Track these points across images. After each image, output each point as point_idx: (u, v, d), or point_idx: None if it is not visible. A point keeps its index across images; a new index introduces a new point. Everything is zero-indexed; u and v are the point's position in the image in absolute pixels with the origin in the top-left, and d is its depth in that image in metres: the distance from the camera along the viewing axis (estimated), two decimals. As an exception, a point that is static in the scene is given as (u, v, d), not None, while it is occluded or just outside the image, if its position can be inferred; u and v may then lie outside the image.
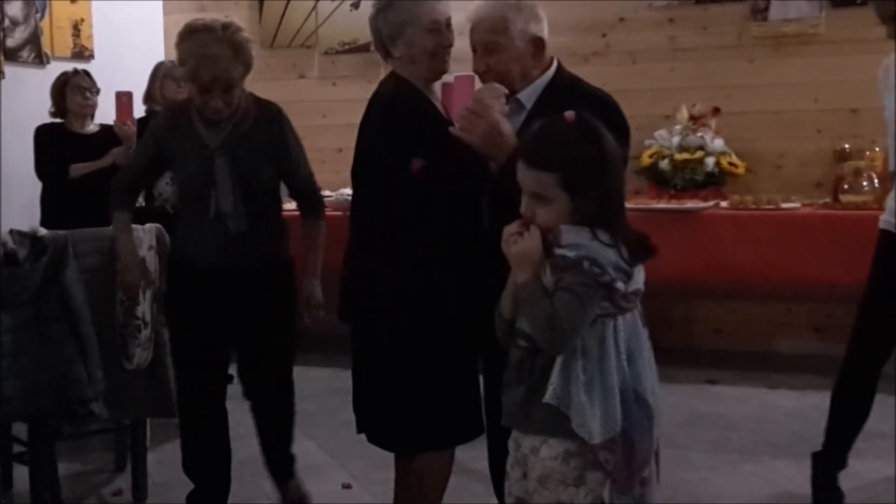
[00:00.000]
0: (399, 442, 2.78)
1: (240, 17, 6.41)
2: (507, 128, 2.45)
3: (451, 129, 2.49)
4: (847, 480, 3.50)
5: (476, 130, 2.44)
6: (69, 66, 5.10)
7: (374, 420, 2.80)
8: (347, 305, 2.79)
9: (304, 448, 4.33)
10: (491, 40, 2.59)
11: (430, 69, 2.74)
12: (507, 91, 2.56)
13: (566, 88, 2.60)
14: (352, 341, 2.81)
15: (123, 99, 4.69)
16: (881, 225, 3.34)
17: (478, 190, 2.60)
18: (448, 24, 2.73)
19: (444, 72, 2.76)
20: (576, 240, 2.08)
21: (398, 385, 2.69)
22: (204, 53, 3.01)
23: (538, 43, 2.61)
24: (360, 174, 2.78)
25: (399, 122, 2.64)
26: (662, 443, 3.44)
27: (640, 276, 2.17)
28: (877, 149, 5.01)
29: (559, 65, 2.68)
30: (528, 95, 2.62)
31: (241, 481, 3.90)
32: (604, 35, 5.90)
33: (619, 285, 2.09)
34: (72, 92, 4.83)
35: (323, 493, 3.75)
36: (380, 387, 2.74)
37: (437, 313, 2.65)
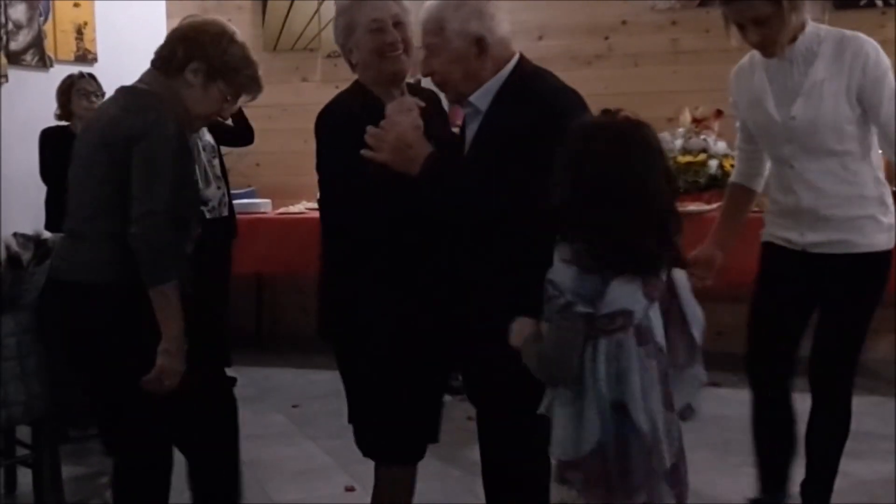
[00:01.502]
0: (365, 451, 2.81)
1: (242, 19, 6.45)
2: (416, 139, 2.40)
3: (362, 151, 2.42)
4: (847, 481, 3.49)
5: (383, 147, 2.39)
6: (72, 70, 5.11)
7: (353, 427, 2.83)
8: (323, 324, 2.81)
9: (306, 450, 4.34)
10: (428, 42, 2.47)
11: (382, 71, 2.63)
12: (420, 103, 2.52)
13: (520, 87, 2.44)
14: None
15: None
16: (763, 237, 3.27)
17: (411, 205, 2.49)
18: (397, 22, 2.62)
19: (400, 72, 2.65)
20: (555, 260, 2.09)
21: (361, 396, 2.75)
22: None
23: (480, 42, 2.43)
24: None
25: (319, 136, 2.65)
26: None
27: (619, 295, 2.06)
28: (879, 151, 5.00)
29: (519, 61, 2.50)
30: (480, 98, 2.47)
31: (244, 483, 3.91)
32: (606, 38, 5.90)
33: (579, 308, 2.03)
34: (77, 95, 4.84)
35: (326, 496, 3.75)
36: (350, 396, 2.81)
37: (395, 329, 2.62)
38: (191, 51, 2.69)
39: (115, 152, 2.60)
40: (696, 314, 2.33)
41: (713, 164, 5.36)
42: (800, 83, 3.03)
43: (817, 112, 3.00)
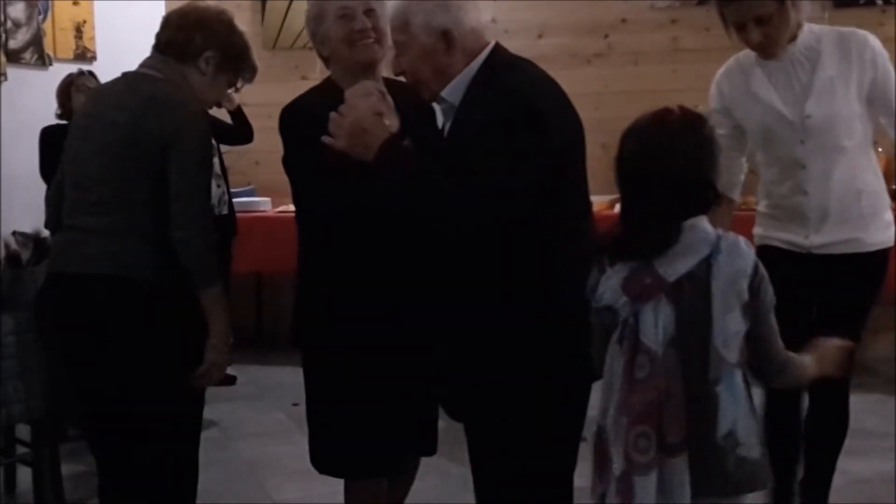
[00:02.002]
0: (325, 467, 2.79)
1: (242, 18, 6.39)
2: (373, 124, 2.26)
3: (322, 137, 2.31)
4: (847, 479, 3.49)
5: (341, 133, 2.27)
6: (71, 68, 5.10)
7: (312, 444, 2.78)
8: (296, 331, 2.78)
9: (305, 449, 4.33)
10: (395, 39, 2.35)
11: (353, 60, 2.57)
12: (380, 88, 2.43)
13: (491, 79, 2.26)
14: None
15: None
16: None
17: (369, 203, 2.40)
18: (368, 10, 2.56)
19: (372, 61, 2.59)
20: None
21: (326, 406, 2.70)
22: None
23: (447, 36, 2.27)
24: None
25: (282, 135, 2.62)
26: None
27: (606, 289, 2.03)
28: (880, 150, 5.00)
29: (492, 52, 2.32)
30: (452, 92, 2.31)
31: (245, 482, 3.92)
32: (606, 36, 5.90)
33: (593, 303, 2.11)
34: (77, 93, 4.83)
35: (325, 495, 3.74)
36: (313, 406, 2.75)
37: (368, 337, 2.57)
38: (208, 39, 2.66)
39: (145, 149, 2.53)
40: (724, 326, 1.98)
41: (713, 162, 5.36)
42: (809, 82, 3.02)
43: (831, 109, 2.98)
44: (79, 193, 2.62)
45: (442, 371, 2.41)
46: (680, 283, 1.98)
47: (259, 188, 6.27)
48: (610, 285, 2.04)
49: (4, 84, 5.46)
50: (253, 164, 6.27)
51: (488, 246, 2.19)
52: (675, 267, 1.99)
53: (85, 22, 6.05)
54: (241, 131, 5.36)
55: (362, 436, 2.63)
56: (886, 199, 3.12)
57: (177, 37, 2.69)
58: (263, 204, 5.99)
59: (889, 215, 3.11)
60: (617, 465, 1.99)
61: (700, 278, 1.97)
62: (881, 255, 3.08)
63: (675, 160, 2.02)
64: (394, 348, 2.56)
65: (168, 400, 2.60)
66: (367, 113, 2.28)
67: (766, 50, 3.03)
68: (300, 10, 6.40)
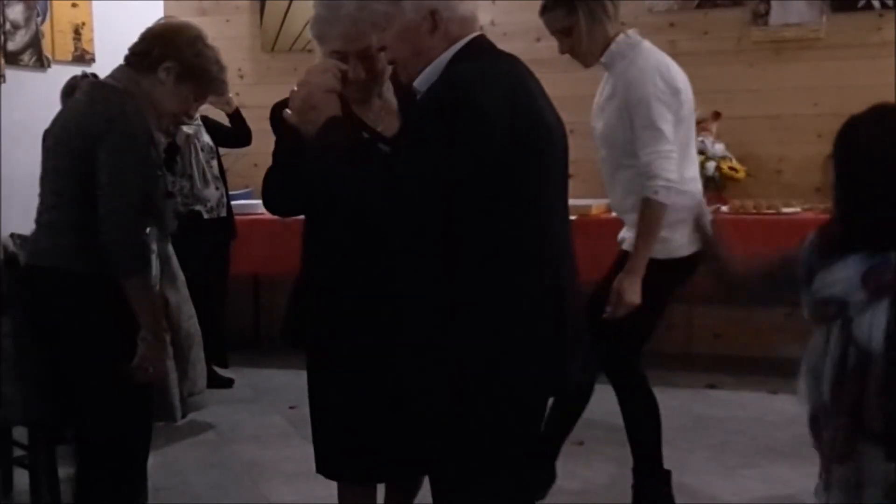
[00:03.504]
0: (321, 468, 2.76)
1: (240, 20, 6.45)
2: (323, 100, 2.20)
3: (283, 111, 2.28)
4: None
5: (293, 107, 2.23)
6: (70, 70, 5.10)
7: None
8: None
9: (303, 452, 4.32)
10: (383, 11, 2.24)
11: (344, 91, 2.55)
12: (341, 66, 2.33)
13: (450, 68, 2.17)
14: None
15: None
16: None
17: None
18: (366, 56, 2.45)
19: (363, 99, 2.53)
20: None
21: (324, 408, 2.69)
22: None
23: (434, 16, 2.16)
24: None
25: (273, 130, 2.58)
26: (662, 446, 3.47)
27: (836, 281, 2.10)
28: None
29: (469, 42, 2.20)
30: (424, 81, 2.20)
31: (242, 485, 3.91)
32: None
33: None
34: None
35: (322, 497, 3.74)
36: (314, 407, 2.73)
37: (360, 341, 2.55)
38: (166, 50, 2.76)
39: (77, 146, 2.68)
40: None
41: (711, 166, 5.37)
42: (600, 96, 3.31)
43: (606, 126, 3.23)
44: (40, 191, 2.82)
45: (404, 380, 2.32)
46: None
47: (257, 190, 6.22)
48: (842, 277, 2.02)
49: (3, 86, 5.45)
50: (251, 167, 6.26)
51: (423, 247, 2.15)
52: None
53: (84, 24, 6.05)
54: (239, 134, 5.36)
55: (353, 440, 2.62)
56: (671, 216, 3.20)
57: (138, 47, 2.83)
58: (261, 206, 5.98)
59: (667, 232, 3.21)
60: (825, 454, 2.08)
61: None
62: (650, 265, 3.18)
63: None
64: (387, 352, 2.49)
65: (107, 390, 2.73)
66: (319, 90, 2.22)
67: (576, 59, 3.29)
68: (299, 12, 6.43)
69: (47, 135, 2.83)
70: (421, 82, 2.20)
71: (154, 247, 2.81)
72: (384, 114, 2.51)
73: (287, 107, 2.37)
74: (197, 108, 2.91)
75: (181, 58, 2.76)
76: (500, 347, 2.10)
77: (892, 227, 2.00)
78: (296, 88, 2.24)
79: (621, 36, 3.25)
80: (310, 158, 2.22)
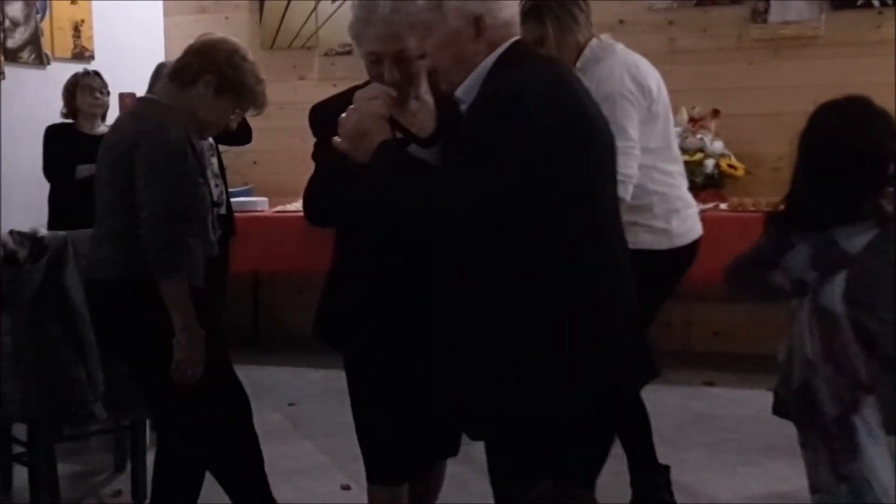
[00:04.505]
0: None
1: (240, 18, 6.45)
2: (374, 127, 2.21)
3: (333, 139, 2.27)
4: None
5: (344, 134, 2.23)
6: (69, 67, 5.11)
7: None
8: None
9: (302, 449, 4.34)
10: (424, 18, 2.20)
11: None
12: (390, 91, 2.34)
13: (494, 75, 2.14)
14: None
15: (127, 100, 4.71)
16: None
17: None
18: (402, 58, 2.41)
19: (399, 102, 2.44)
20: None
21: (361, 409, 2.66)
22: None
23: (479, 23, 2.13)
24: None
25: (312, 131, 2.59)
26: (660, 443, 3.48)
27: (795, 264, 2.35)
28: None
29: (509, 47, 2.17)
30: (467, 90, 2.17)
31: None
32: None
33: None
34: (81, 92, 4.86)
35: (322, 495, 3.75)
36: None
37: (394, 342, 2.53)
38: (204, 65, 2.86)
39: (117, 156, 2.80)
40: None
41: (710, 163, 5.37)
42: None
43: None
44: (96, 204, 2.92)
45: (454, 389, 2.26)
46: (861, 255, 2.25)
47: (257, 188, 6.27)
48: (797, 262, 2.31)
49: (2, 83, 5.45)
50: (251, 164, 6.28)
51: (479, 260, 2.11)
52: (854, 241, 2.26)
53: (83, 21, 6.05)
54: (239, 132, 5.34)
55: (385, 441, 2.60)
56: (656, 212, 3.28)
57: (180, 63, 2.92)
58: (261, 204, 6.00)
59: (660, 223, 3.30)
60: (831, 408, 2.27)
61: (878, 248, 2.25)
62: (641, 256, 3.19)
63: (858, 138, 2.27)
64: (415, 353, 2.47)
65: (173, 392, 2.80)
66: (369, 116, 2.23)
67: None
68: (298, 10, 6.43)
69: (99, 148, 2.96)
70: (463, 91, 2.18)
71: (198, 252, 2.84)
72: (420, 114, 2.46)
73: (327, 107, 2.43)
74: (236, 119, 3.01)
75: (220, 71, 2.86)
76: (564, 356, 2.07)
77: (831, 206, 2.28)
78: (344, 115, 2.25)
79: (594, 41, 3.31)
80: (364, 182, 2.20)
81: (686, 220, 3.44)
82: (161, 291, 2.72)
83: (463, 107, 2.23)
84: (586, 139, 2.12)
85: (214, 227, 2.98)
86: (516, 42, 2.19)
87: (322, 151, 2.47)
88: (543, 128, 2.02)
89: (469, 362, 2.14)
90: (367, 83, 2.52)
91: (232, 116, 2.96)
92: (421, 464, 2.72)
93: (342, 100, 2.47)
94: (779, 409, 2.48)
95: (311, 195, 2.56)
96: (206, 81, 2.85)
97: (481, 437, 2.24)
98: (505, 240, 2.07)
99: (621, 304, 2.16)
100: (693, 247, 3.34)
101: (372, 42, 2.43)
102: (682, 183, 3.47)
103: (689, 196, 3.50)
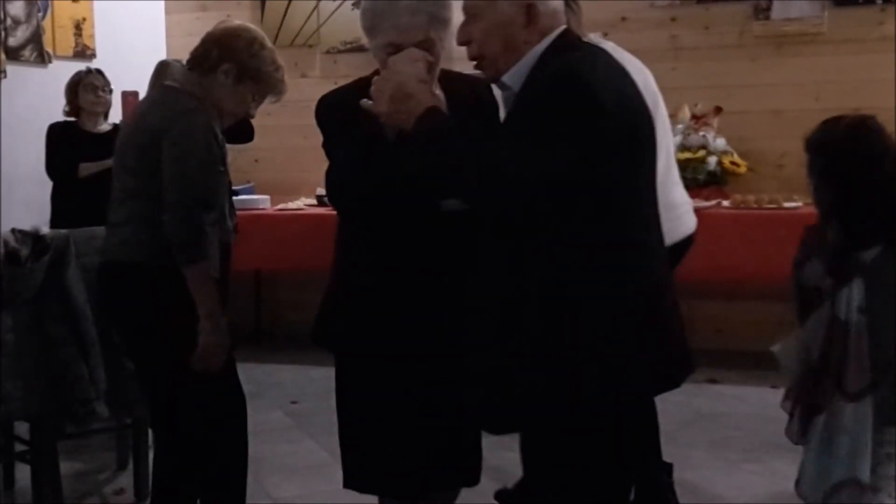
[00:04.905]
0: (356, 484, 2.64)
1: (242, 16, 6.44)
2: (417, 89, 2.11)
3: (361, 101, 2.16)
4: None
5: (382, 97, 2.11)
6: (71, 66, 5.11)
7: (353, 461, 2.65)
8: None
9: (305, 447, 4.34)
10: (472, 4, 2.14)
11: None
12: (429, 57, 2.26)
13: (549, 62, 2.08)
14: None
15: (129, 98, 4.71)
16: None
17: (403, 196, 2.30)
18: (425, 48, 2.34)
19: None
20: None
21: (357, 418, 2.58)
22: None
23: (530, 10, 2.10)
24: None
25: (320, 125, 2.51)
26: (663, 441, 3.47)
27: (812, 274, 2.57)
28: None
29: (562, 33, 2.15)
30: (514, 76, 2.12)
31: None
32: (605, 34, 5.88)
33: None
34: (84, 90, 4.86)
35: (324, 493, 3.75)
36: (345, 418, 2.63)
37: (400, 344, 2.45)
38: (224, 53, 2.85)
39: (141, 143, 2.80)
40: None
41: (712, 160, 5.36)
42: None
43: None
44: (111, 190, 2.92)
45: (485, 381, 2.18)
46: (874, 262, 2.43)
47: (259, 186, 6.27)
48: (815, 270, 2.50)
49: (4, 81, 5.46)
50: (252, 162, 6.27)
51: (528, 235, 2.03)
52: (867, 250, 2.44)
53: (84, 19, 6.05)
54: (241, 130, 5.35)
55: (395, 454, 2.51)
56: None
57: (199, 51, 2.91)
58: (263, 202, 5.99)
59: None
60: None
61: (890, 256, 2.43)
62: None
63: (877, 166, 2.46)
64: (432, 366, 2.43)
65: (183, 382, 2.80)
66: (412, 78, 2.14)
67: None
68: (299, 8, 6.43)
69: (118, 137, 2.96)
70: (511, 77, 2.12)
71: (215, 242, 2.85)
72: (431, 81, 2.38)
73: (337, 96, 2.39)
74: (256, 106, 3.01)
75: (238, 60, 2.86)
76: (619, 342, 2.02)
77: (854, 232, 2.46)
78: (379, 78, 2.16)
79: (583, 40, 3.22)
80: (408, 149, 2.09)
81: (666, 222, 3.38)
82: (186, 278, 2.72)
83: (505, 93, 2.18)
84: (642, 128, 2.10)
85: (232, 213, 3.03)
86: (566, 30, 2.16)
87: (335, 138, 2.42)
88: (608, 112, 1.97)
89: (527, 353, 2.04)
90: (370, 75, 2.43)
91: (252, 104, 2.96)
92: (437, 477, 2.57)
93: (352, 89, 2.43)
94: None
95: (340, 179, 2.44)
96: (226, 70, 2.84)
97: (529, 434, 2.18)
98: (562, 225, 2.00)
99: (670, 296, 2.14)
100: (676, 248, 3.23)
101: (391, 32, 2.35)
102: (667, 182, 3.38)
103: (675, 196, 3.41)
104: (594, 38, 3.25)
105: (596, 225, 2.01)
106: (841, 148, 2.49)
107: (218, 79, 2.86)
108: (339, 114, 2.43)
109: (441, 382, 2.42)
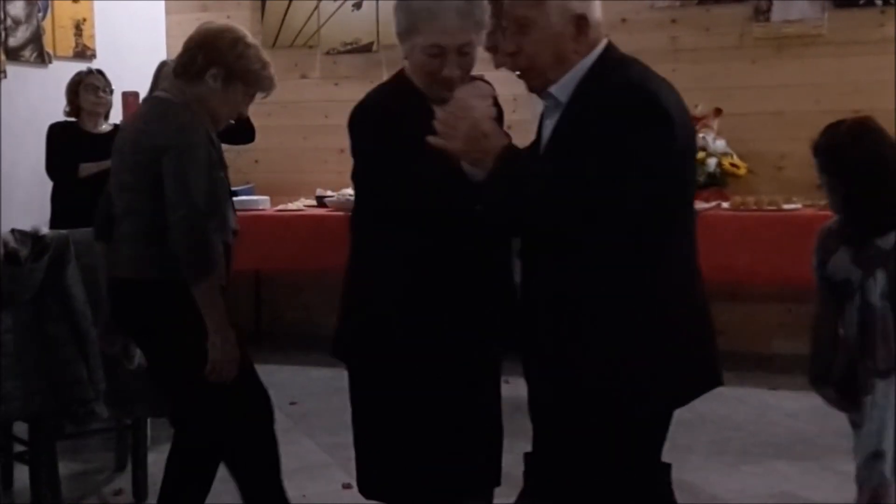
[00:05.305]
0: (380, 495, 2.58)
1: (242, 16, 6.44)
2: (492, 128, 2.14)
3: (428, 137, 2.15)
4: (845, 480, 3.49)
5: (456, 135, 2.11)
6: (71, 66, 5.11)
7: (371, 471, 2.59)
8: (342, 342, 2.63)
9: (304, 447, 4.34)
10: (522, 15, 2.12)
11: (428, 89, 2.41)
12: (494, 92, 2.30)
13: (605, 76, 2.11)
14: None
15: (130, 98, 4.71)
16: None
17: (456, 207, 2.30)
18: (464, 52, 2.36)
19: (450, 97, 2.33)
20: None
21: (383, 429, 2.53)
22: None
23: (581, 22, 2.12)
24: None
25: (358, 136, 2.44)
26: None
27: (839, 267, 2.71)
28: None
29: (607, 46, 2.18)
30: (562, 88, 2.13)
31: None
32: (605, 36, 5.90)
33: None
34: (85, 90, 4.86)
35: (323, 493, 3.75)
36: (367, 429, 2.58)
37: (432, 354, 2.42)
38: (209, 57, 2.82)
39: (140, 160, 2.78)
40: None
41: (712, 162, 5.37)
42: None
43: None
44: (114, 205, 2.91)
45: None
46: (893, 250, 2.62)
47: (258, 186, 6.27)
48: (842, 264, 2.65)
49: (4, 82, 5.45)
50: (252, 163, 6.27)
51: (607, 246, 2.06)
52: (888, 239, 2.62)
53: (85, 20, 6.05)
54: (242, 131, 5.35)
55: (417, 464, 2.48)
56: None
57: (183, 58, 2.88)
58: (262, 202, 5.99)
59: None
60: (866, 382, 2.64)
61: None
62: None
63: (881, 160, 2.64)
64: (457, 374, 2.43)
65: (195, 393, 2.83)
66: (486, 117, 2.15)
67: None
68: (300, 8, 6.43)
69: (113, 151, 2.95)
70: (559, 89, 2.13)
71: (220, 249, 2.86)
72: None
73: (375, 107, 2.39)
74: (247, 105, 2.99)
75: (225, 62, 2.82)
76: (674, 351, 2.12)
77: (869, 221, 2.65)
78: (445, 116, 2.15)
79: None
80: (488, 186, 2.10)
81: None
82: (194, 294, 2.71)
83: (548, 102, 2.18)
84: (690, 141, 2.16)
85: (234, 213, 3.03)
86: (610, 43, 2.19)
87: (394, 152, 2.32)
88: (676, 127, 2.03)
89: (596, 357, 2.09)
90: (395, 78, 2.48)
91: (243, 103, 2.95)
92: (459, 486, 2.56)
93: (389, 97, 2.43)
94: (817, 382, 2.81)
95: (423, 198, 2.33)
96: (213, 74, 2.82)
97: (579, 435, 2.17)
98: (637, 240, 2.04)
99: (707, 307, 2.23)
100: None
101: (436, 34, 2.33)
102: None
103: None
104: None
105: (662, 238, 2.09)
106: (847, 147, 2.66)
107: (207, 84, 2.83)
108: (384, 125, 2.38)
109: (475, 386, 2.48)
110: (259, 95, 2.96)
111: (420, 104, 2.35)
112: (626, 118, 2.00)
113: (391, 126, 2.31)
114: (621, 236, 2.03)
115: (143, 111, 2.97)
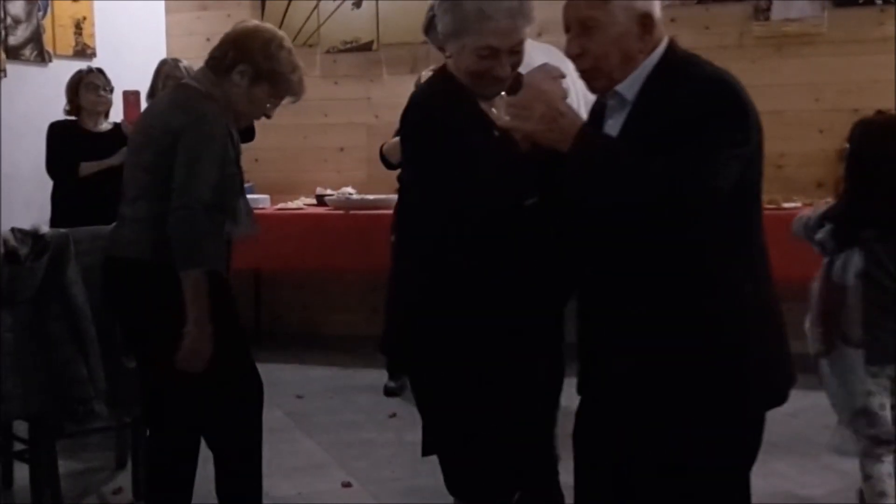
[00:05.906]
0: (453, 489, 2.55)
1: (241, 15, 6.43)
2: (568, 107, 2.10)
3: (499, 121, 2.15)
4: (845, 479, 3.49)
5: (530, 116, 2.08)
6: (71, 65, 5.11)
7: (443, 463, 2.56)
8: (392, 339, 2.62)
9: (304, 447, 4.34)
10: (587, 16, 2.10)
11: (474, 88, 2.40)
12: (563, 73, 2.22)
13: (674, 72, 2.09)
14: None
15: (130, 97, 4.70)
16: None
17: (519, 198, 2.28)
18: (515, 51, 2.36)
19: (495, 96, 2.37)
20: None
21: (450, 426, 2.51)
22: None
23: (646, 20, 2.10)
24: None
25: (413, 137, 2.41)
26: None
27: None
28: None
29: (670, 43, 2.15)
30: (629, 86, 2.11)
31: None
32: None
33: None
34: (85, 89, 4.86)
35: (323, 493, 3.76)
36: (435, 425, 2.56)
37: (489, 348, 2.40)
38: (240, 54, 2.86)
39: (158, 142, 2.81)
40: None
41: (712, 161, 5.37)
42: None
43: None
44: (123, 185, 2.95)
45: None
46: (874, 239, 2.99)
47: (258, 185, 6.27)
48: (823, 236, 3.09)
49: (4, 80, 5.46)
50: (252, 162, 6.27)
51: (680, 245, 2.03)
52: (869, 230, 3.00)
53: (85, 18, 6.05)
54: (242, 130, 5.35)
55: (487, 458, 2.47)
56: None
57: (216, 52, 2.92)
58: (262, 201, 5.99)
59: None
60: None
61: (889, 237, 2.99)
62: None
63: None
64: (524, 375, 2.43)
65: (182, 379, 2.80)
66: (558, 98, 2.10)
67: None
68: (299, 8, 6.43)
69: (133, 132, 2.98)
70: (626, 88, 2.11)
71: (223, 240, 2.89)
72: (497, 111, 2.36)
73: (430, 107, 2.36)
74: (274, 108, 2.99)
75: (254, 61, 2.85)
76: (763, 352, 2.14)
77: (858, 206, 3.03)
78: (518, 97, 2.12)
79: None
80: (570, 165, 2.06)
81: None
82: (182, 280, 2.72)
83: (613, 100, 2.15)
84: (763, 137, 2.12)
85: (248, 210, 3.03)
86: (672, 40, 2.17)
87: (456, 150, 2.29)
88: (756, 124, 2.05)
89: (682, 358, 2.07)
90: (441, 77, 2.46)
91: (268, 105, 2.96)
92: (527, 481, 2.56)
93: (440, 97, 2.40)
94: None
95: (500, 191, 2.28)
96: (241, 71, 2.85)
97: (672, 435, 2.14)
98: (713, 236, 2.03)
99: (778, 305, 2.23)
100: None
101: (489, 36, 2.32)
102: None
103: None
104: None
105: (754, 227, 2.10)
106: (871, 138, 3.02)
107: (233, 80, 2.86)
108: (441, 123, 2.35)
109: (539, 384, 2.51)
110: (288, 99, 2.97)
111: (470, 102, 2.36)
112: (712, 109, 1.99)
113: (449, 131, 2.29)
114: (721, 224, 2.02)
115: (170, 96, 3.01)
